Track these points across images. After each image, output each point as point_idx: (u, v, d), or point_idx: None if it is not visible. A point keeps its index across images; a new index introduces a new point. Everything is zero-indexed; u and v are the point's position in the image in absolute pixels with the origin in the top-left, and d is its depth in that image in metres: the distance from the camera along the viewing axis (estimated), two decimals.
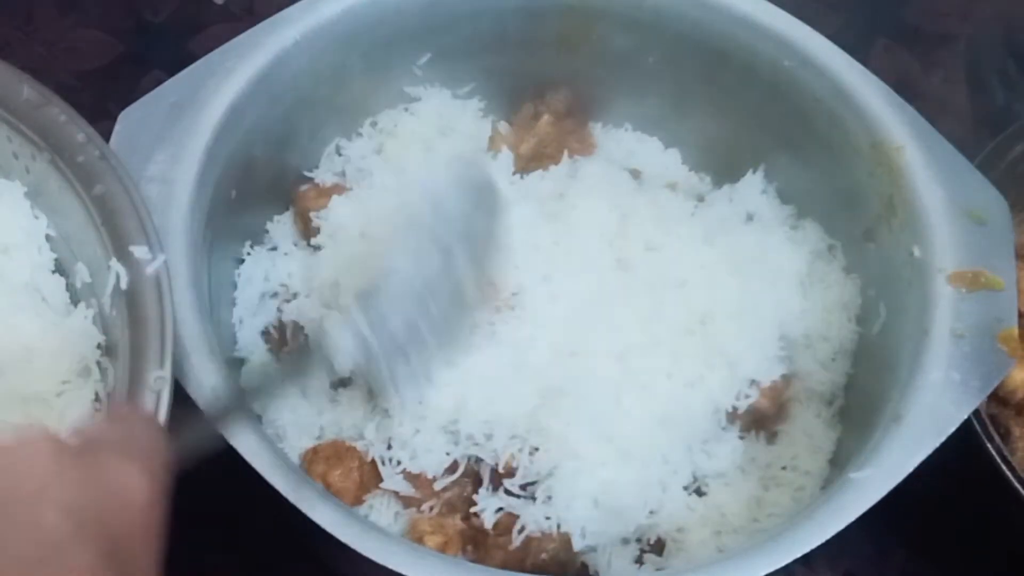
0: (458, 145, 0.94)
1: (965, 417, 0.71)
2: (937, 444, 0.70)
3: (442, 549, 0.72)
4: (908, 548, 0.88)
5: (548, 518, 0.74)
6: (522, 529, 0.74)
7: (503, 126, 0.95)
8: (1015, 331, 0.75)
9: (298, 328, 0.83)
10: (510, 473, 0.75)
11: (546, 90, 0.95)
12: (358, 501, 0.76)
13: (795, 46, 0.87)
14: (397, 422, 0.76)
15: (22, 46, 1.09)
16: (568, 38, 0.93)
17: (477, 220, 0.70)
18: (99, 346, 0.71)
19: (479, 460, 0.76)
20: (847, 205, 0.87)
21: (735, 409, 0.81)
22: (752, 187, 0.92)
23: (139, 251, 0.67)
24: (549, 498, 0.74)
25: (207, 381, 0.66)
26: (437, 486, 0.76)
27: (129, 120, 0.75)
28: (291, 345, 0.83)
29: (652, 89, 0.95)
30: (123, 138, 0.74)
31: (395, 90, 0.93)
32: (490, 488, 0.76)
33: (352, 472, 0.75)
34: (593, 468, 0.75)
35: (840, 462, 0.80)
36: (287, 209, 0.90)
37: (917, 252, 0.79)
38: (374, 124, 0.94)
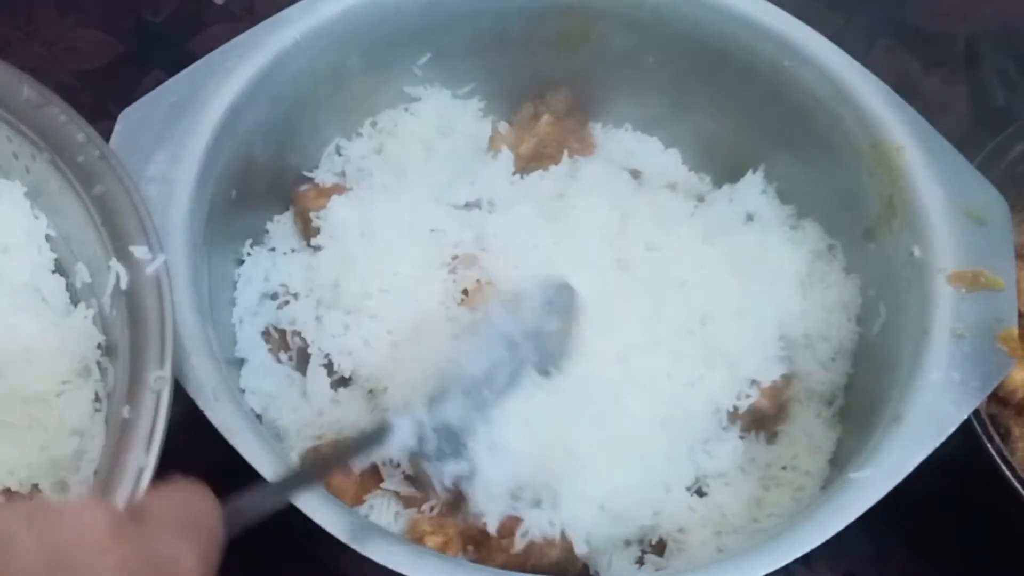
0: (458, 145, 0.94)
1: (965, 417, 0.71)
2: (937, 444, 0.70)
3: (442, 549, 0.72)
4: (908, 548, 0.88)
5: (552, 524, 0.74)
6: (525, 533, 0.73)
7: (503, 126, 0.95)
8: (1015, 331, 0.75)
9: (295, 332, 0.83)
10: None
11: (546, 90, 0.95)
12: (358, 501, 0.76)
13: (795, 46, 0.87)
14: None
15: (22, 46, 1.08)
16: (568, 38, 0.93)
17: (550, 318, 0.73)
18: (99, 346, 0.71)
19: None
20: (847, 205, 0.87)
21: (735, 409, 0.81)
22: (752, 187, 0.92)
23: (139, 251, 0.67)
24: (553, 502, 0.74)
25: (207, 381, 0.66)
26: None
27: (129, 120, 0.75)
28: (291, 347, 0.83)
29: (652, 89, 0.95)
30: (123, 138, 0.74)
31: (395, 90, 0.94)
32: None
33: (352, 472, 0.75)
34: (596, 471, 0.75)
35: (840, 462, 0.80)
36: (287, 209, 0.90)
37: (917, 252, 0.79)
38: (374, 124, 0.94)
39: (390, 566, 0.62)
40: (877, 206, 0.84)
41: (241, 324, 0.84)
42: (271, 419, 0.80)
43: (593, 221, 0.84)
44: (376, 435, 0.67)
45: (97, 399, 0.70)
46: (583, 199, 0.85)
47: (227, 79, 0.79)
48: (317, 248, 0.85)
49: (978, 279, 0.76)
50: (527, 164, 0.91)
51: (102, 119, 0.74)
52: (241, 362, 0.82)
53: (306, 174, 0.91)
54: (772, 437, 0.84)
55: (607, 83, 0.96)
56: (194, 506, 0.46)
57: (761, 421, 0.83)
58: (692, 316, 0.82)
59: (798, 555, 0.65)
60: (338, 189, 0.88)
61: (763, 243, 0.88)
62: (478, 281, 0.81)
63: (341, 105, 0.91)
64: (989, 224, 0.80)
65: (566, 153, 0.91)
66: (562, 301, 0.74)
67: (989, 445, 0.75)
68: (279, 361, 0.83)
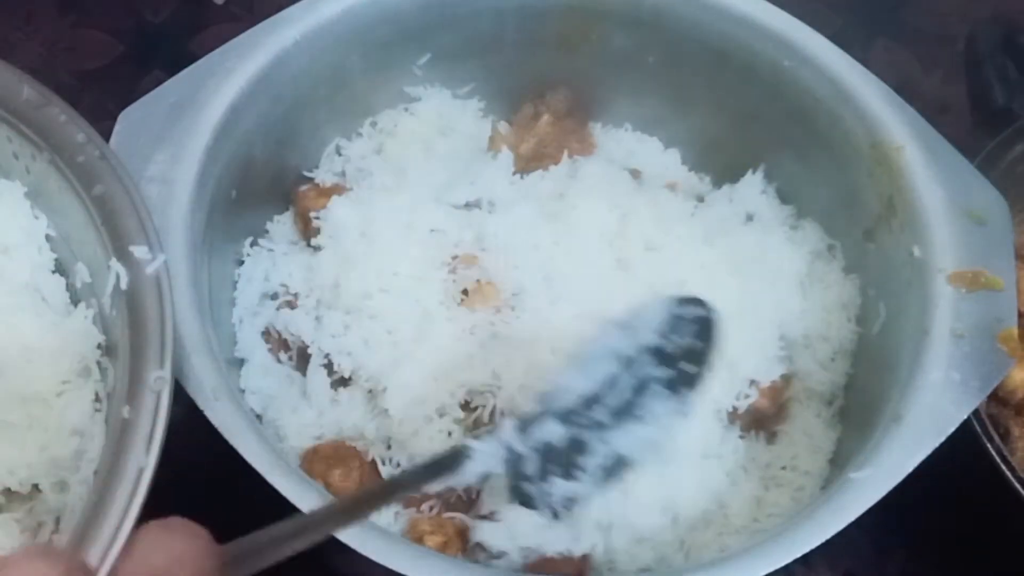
0: (458, 145, 0.94)
1: (965, 417, 0.71)
2: (937, 444, 0.70)
3: (442, 549, 0.72)
4: (908, 548, 0.88)
5: (560, 537, 0.74)
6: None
7: (503, 126, 0.95)
8: (1015, 331, 0.75)
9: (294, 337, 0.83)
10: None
11: (546, 90, 0.95)
12: None
13: (795, 46, 0.87)
14: (397, 422, 0.76)
15: (22, 46, 1.09)
16: (568, 38, 0.93)
17: (677, 335, 0.68)
18: (99, 346, 0.71)
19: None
20: (847, 205, 0.87)
21: (735, 409, 0.81)
22: (752, 187, 0.92)
23: (139, 251, 0.67)
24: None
25: (207, 381, 0.66)
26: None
27: (129, 120, 0.75)
28: (291, 347, 0.83)
29: (652, 89, 0.95)
30: (123, 138, 0.74)
31: (395, 90, 0.94)
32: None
33: (352, 472, 0.75)
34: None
35: (840, 462, 0.80)
36: (287, 209, 0.90)
37: (917, 252, 0.79)
38: (374, 124, 0.94)
39: (390, 566, 0.62)
40: (877, 206, 0.84)
41: (241, 324, 0.84)
42: (271, 419, 0.80)
43: (593, 221, 0.84)
44: (449, 461, 0.64)
45: (97, 399, 0.70)
46: (583, 199, 0.85)
47: (227, 79, 0.79)
48: (317, 248, 0.85)
49: (978, 279, 0.76)
50: (527, 164, 0.91)
51: (102, 119, 0.74)
52: (241, 362, 0.82)
53: (306, 174, 0.91)
54: (772, 437, 0.84)
55: (607, 83, 0.96)
56: (176, 560, 0.41)
57: (761, 421, 0.83)
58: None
59: (798, 555, 0.65)
60: (338, 189, 0.88)
61: (763, 243, 0.88)
62: (478, 281, 0.81)
63: (341, 105, 0.91)
64: (989, 224, 0.80)
65: (566, 153, 0.91)
66: (693, 316, 0.69)
67: (989, 445, 0.75)
68: (279, 361, 0.83)
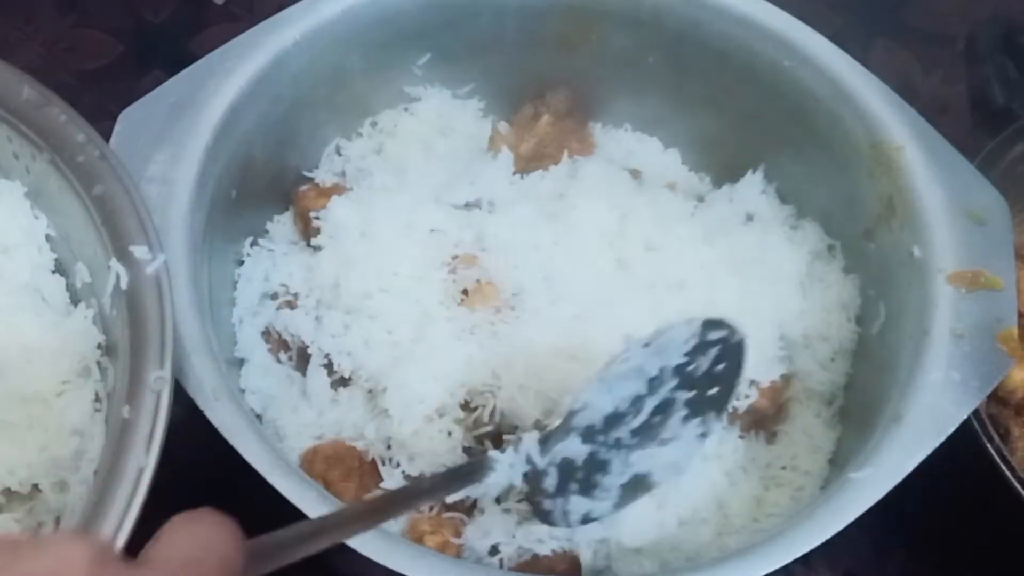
0: (458, 145, 0.94)
1: (965, 417, 0.71)
2: (937, 444, 0.70)
3: (442, 549, 0.72)
4: (908, 548, 0.88)
5: (555, 538, 0.74)
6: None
7: (503, 126, 0.95)
8: (1015, 331, 0.75)
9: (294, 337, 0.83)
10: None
11: (546, 90, 0.95)
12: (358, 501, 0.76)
13: (795, 46, 0.87)
14: (397, 422, 0.76)
15: (22, 46, 1.09)
16: (568, 38, 0.93)
17: (704, 358, 0.68)
18: (99, 346, 0.71)
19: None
20: (847, 205, 0.87)
21: (735, 409, 0.81)
22: (752, 187, 0.92)
23: (139, 251, 0.67)
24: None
25: (207, 381, 0.66)
26: None
27: (129, 120, 0.75)
28: (291, 347, 0.83)
29: (652, 89, 0.95)
30: (123, 138, 0.74)
31: (395, 90, 0.94)
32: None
33: (352, 472, 0.75)
34: None
35: (840, 462, 0.80)
36: (287, 209, 0.90)
37: (917, 252, 0.79)
38: (374, 124, 0.94)
39: (390, 566, 0.62)
40: (877, 206, 0.84)
41: (241, 324, 0.84)
42: (271, 419, 0.80)
43: (593, 221, 0.84)
44: (471, 470, 0.65)
45: (97, 399, 0.70)
46: (583, 199, 0.85)
47: (227, 79, 0.79)
48: (317, 248, 0.85)
49: (978, 279, 0.76)
50: (527, 164, 0.91)
51: (102, 119, 0.74)
52: (241, 362, 0.82)
53: (306, 174, 0.91)
54: (772, 437, 0.84)
55: (607, 83, 0.96)
56: (203, 546, 0.41)
57: (761, 421, 0.83)
58: (692, 316, 0.81)
59: (798, 555, 0.65)
60: (338, 189, 0.88)
61: (763, 243, 0.88)
62: (478, 281, 0.81)
63: (341, 105, 0.91)
64: (989, 224, 0.80)
65: (566, 153, 0.91)
66: (720, 338, 0.68)
67: (989, 445, 0.75)
68: (279, 361, 0.83)
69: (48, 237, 0.75)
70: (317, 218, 0.86)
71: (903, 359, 0.76)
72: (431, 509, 0.76)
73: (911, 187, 0.81)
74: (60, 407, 0.69)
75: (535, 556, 0.73)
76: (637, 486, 0.69)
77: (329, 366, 0.80)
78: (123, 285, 0.66)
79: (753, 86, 0.90)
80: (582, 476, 0.67)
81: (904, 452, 0.69)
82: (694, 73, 0.92)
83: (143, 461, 0.60)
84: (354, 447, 0.77)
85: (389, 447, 0.77)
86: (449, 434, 0.76)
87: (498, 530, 0.74)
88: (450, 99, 0.95)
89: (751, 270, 0.85)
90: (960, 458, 0.72)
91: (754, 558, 0.65)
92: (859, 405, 0.83)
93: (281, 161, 0.88)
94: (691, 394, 0.68)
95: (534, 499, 0.68)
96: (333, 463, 0.76)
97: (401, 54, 0.91)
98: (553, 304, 0.80)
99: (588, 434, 0.67)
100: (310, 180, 0.91)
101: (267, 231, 0.89)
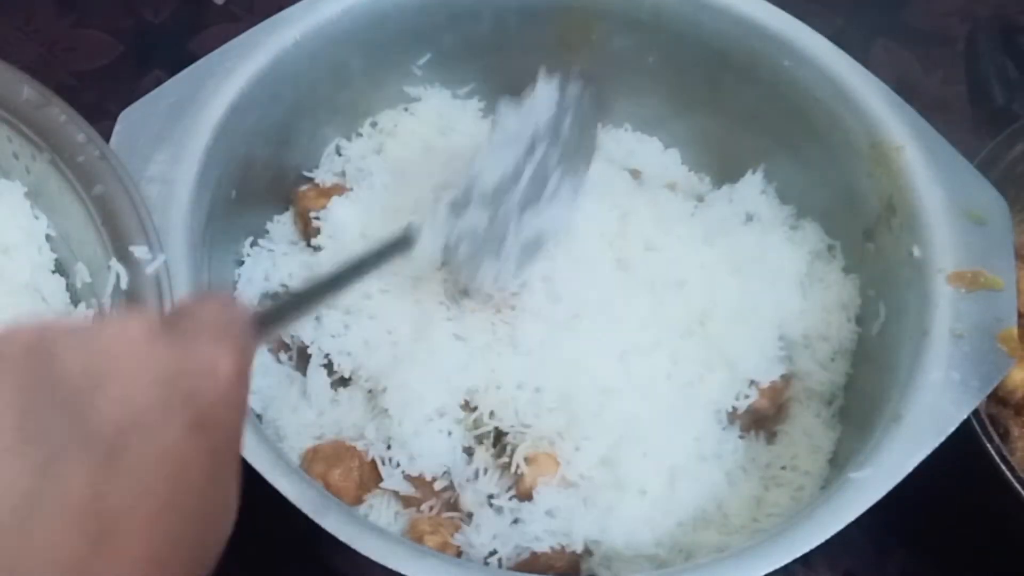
0: (458, 145, 0.94)
1: (965, 417, 0.71)
2: (937, 444, 0.70)
3: (442, 549, 0.72)
4: (908, 548, 0.88)
5: (552, 533, 0.74)
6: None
7: None
8: (1015, 331, 0.75)
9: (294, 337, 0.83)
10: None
11: None
12: (358, 501, 0.76)
13: (795, 46, 0.87)
14: (397, 422, 0.76)
15: (22, 46, 1.08)
16: (568, 38, 0.93)
17: (565, 117, 0.75)
18: None
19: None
20: (847, 205, 0.87)
21: (735, 409, 0.81)
22: (752, 187, 0.92)
23: (139, 251, 0.67)
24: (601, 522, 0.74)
25: None
26: (437, 486, 0.76)
27: (129, 120, 0.75)
28: (291, 347, 0.83)
29: (652, 89, 0.95)
30: (123, 138, 0.74)
31: (395, 90, 0.93)
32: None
33: (352, 472, 0.75)
34: (598, 489, 0.75)
35: (840, 462, 0.80)
36: (287, 209, 0.90)
37: (917, 252, 0.79)
38: (374, 124, 0.94)
39: (390, 566, 0.62)
40: (877, 206, 0.84)
41: None
42: (271, 419, 0.80)
43: (593, 221, 0.84)
44: (401, 242, 0.68)
45: None
46: (583, 199, 0.85)
47: (227, 79, 0.79)
48: (317, 248, 0.85)
49: (977, 279, 0.76)
50: None
51: (102, 119, 0.74)
52: None
53: (306, 174, 0.91)
54: (772, 437, 0.84)
55: (607, 83, 0.96)
56: (225, 313, 0.46)
57: (761, 421, 0.83)
58: (692, 316, 0.82)
59: (798, 555, 0.65)
60: (338, 189, 0.88)
61: (763, 243, 0.88)
62: None
63: (341, 105, 0.91)
64: (989, 224, 0.80)
65: None
66: (573, 96, 0.76)
67: (989, 445, 0.75)
68: (279, 361, 0.83)
69: (48, 237, 0.75)
70: (317, 218, 0.86)
71: (903, 359, 0.76)
72: (431, 509, 0.76)
73: (911, 187, 0.81)
74: None
75: (533, 554, 0.74)
76: (531, 245, 0.75)
77: (329, 366, 0.80)
78: (123, 285, 0.66)
79: (753, 86, 0.90)
80: (486, 242, 0.72)
81: (904, 452, 0.69)
82: (694, 73, 0.92)
83: None
84: (354, 447, 0.77)
85: (389, 447, 0.77)
86: (449, 434, 0.76)
87: (495, 530, 0.74)
88: (450, 99, 0.95)
89: (751, 270, 0.85)
90: (960, 458, 0.72)
91: (754, 558, 0.65)
92: (859, 405, 0.83)
93: (281, 161, 0.88)
94: (561, 151, 0.75)
95: (452, 271, 0.74)
96: (333, 463, 0.76)
97: (401, 54, 0.91)
98: (553, 304, 0.80)
99: (483, 202, 0.71)
100: (310, 180, 0.91)
101: (267, 231, 0.89)
